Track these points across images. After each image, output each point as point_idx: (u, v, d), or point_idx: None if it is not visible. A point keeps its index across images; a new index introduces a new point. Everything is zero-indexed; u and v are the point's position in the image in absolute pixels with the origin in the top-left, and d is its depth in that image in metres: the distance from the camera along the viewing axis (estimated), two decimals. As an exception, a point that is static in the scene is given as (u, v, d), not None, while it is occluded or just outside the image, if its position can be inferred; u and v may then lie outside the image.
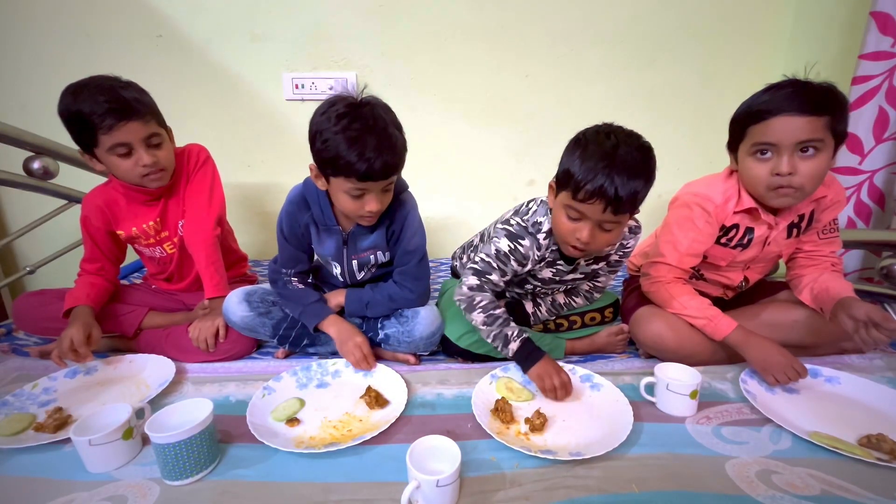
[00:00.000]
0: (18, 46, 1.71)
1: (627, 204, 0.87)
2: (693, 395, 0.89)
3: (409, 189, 1.14)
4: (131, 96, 1.05)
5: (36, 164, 1.40)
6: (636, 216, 1.06)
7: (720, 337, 1.03)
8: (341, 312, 1.18)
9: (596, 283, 1.20)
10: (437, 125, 1.84)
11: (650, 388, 0.94)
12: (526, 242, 1.03)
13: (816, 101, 0.92)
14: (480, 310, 1.04)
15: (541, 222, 1.04)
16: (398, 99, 1.83)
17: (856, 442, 0.82)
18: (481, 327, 1.04)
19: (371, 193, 0.96)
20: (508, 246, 1.04)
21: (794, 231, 1.10)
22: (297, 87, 1.78)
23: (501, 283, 1.08)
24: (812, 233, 1.11)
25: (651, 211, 1.99)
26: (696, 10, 1.73)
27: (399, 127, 0.97)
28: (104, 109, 1.01)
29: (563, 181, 0.92)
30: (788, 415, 0.90)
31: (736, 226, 1.08)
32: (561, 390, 0.95)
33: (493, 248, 1.05)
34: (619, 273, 1.75)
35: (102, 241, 1.20)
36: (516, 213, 1.09)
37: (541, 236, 1.04)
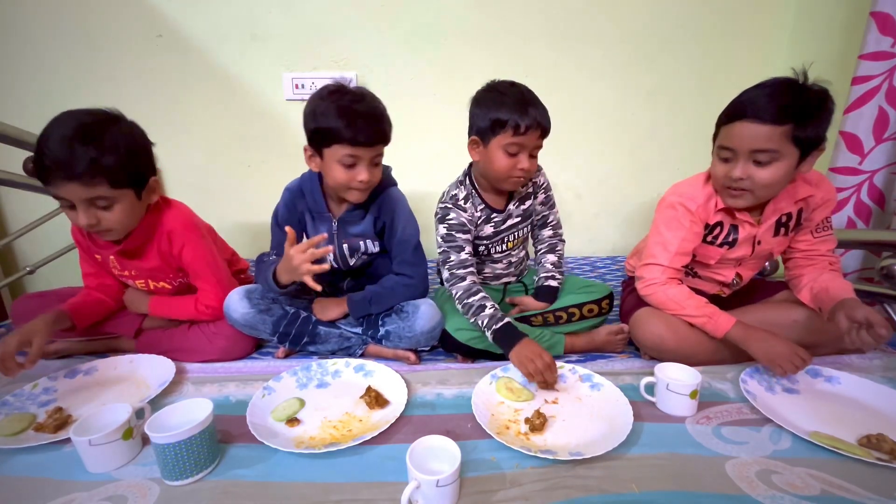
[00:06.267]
0: (19, 47, 1.71)
1: (549, 128, 1.09)
2: (693, 395, 0.89)
3: (399, 186, 1.22)
4: (83, 154, 0.89)
5: (36, 165, 1.40)
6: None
7: (721, 333, 1.03)
8: (345, 318, 1.20)
9: (554, 227, 1.33)
10: (437, 125, 1.83)
11: (650, 388, 0.95)
12: (453, 214, 1.18)
13: (781, 108, 0.91)
14: (457, 300, 1.14)
15: (455, 194, 1.20)
16: (398, 99, 1.84)
17: (856, 442, 0.82)
18: (468, 318, 1.12)
19: (362, 163, 1.04)
20: (444, 227, 1.18)
21: (783, 230, 1.10)
22: (297, 87, 1.78)
23: (466, 256, 1.17)
24: (805, 232, 1.11)
25: (650, 211, 1.99)
26: (697, 10, 1.73)
27: (385, 110, 1.08)
28: (51, 159, 0.88)
29: (497, 128, 1.07)
30: (788, 415, 0.90)
31: (720, 224, 1.10)
32: (547, 372, 0.96)
33: (438, 239, 1.19)
34: (619, 273, 1.76)
35: (91, 254, 1.15)
36: (438, 202, 1.23)
37: (461, 202, 1.18)
